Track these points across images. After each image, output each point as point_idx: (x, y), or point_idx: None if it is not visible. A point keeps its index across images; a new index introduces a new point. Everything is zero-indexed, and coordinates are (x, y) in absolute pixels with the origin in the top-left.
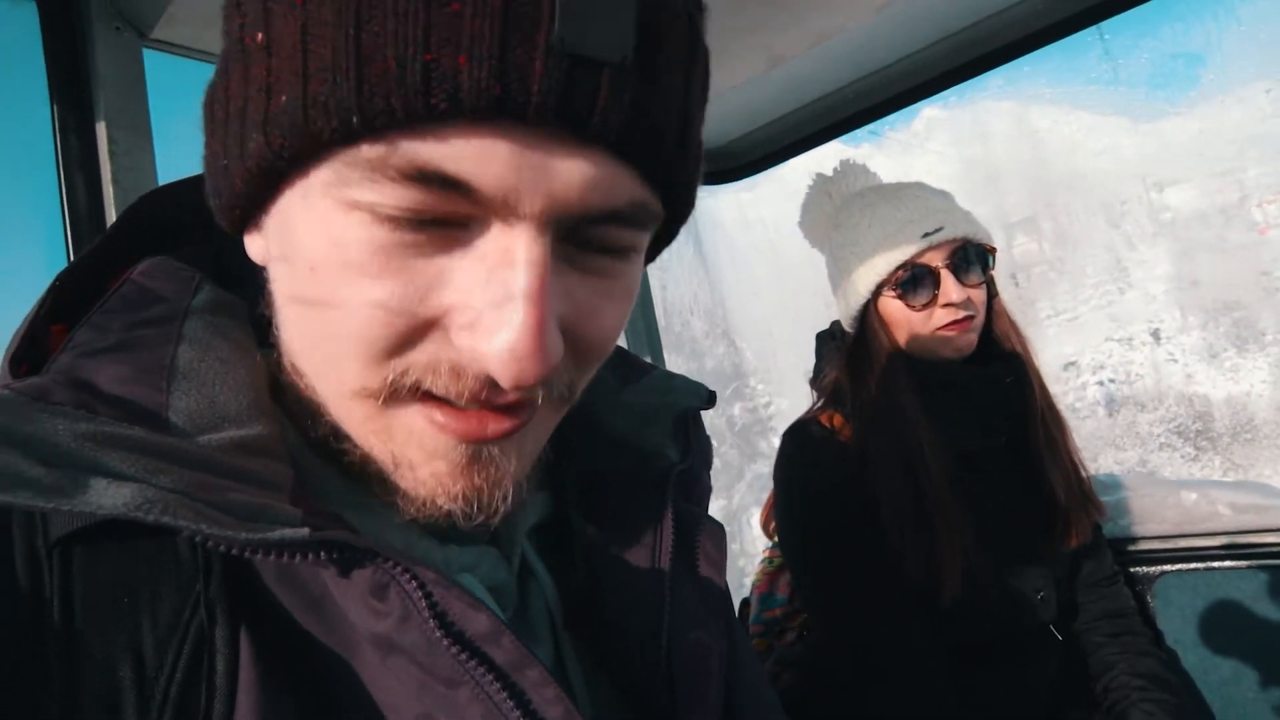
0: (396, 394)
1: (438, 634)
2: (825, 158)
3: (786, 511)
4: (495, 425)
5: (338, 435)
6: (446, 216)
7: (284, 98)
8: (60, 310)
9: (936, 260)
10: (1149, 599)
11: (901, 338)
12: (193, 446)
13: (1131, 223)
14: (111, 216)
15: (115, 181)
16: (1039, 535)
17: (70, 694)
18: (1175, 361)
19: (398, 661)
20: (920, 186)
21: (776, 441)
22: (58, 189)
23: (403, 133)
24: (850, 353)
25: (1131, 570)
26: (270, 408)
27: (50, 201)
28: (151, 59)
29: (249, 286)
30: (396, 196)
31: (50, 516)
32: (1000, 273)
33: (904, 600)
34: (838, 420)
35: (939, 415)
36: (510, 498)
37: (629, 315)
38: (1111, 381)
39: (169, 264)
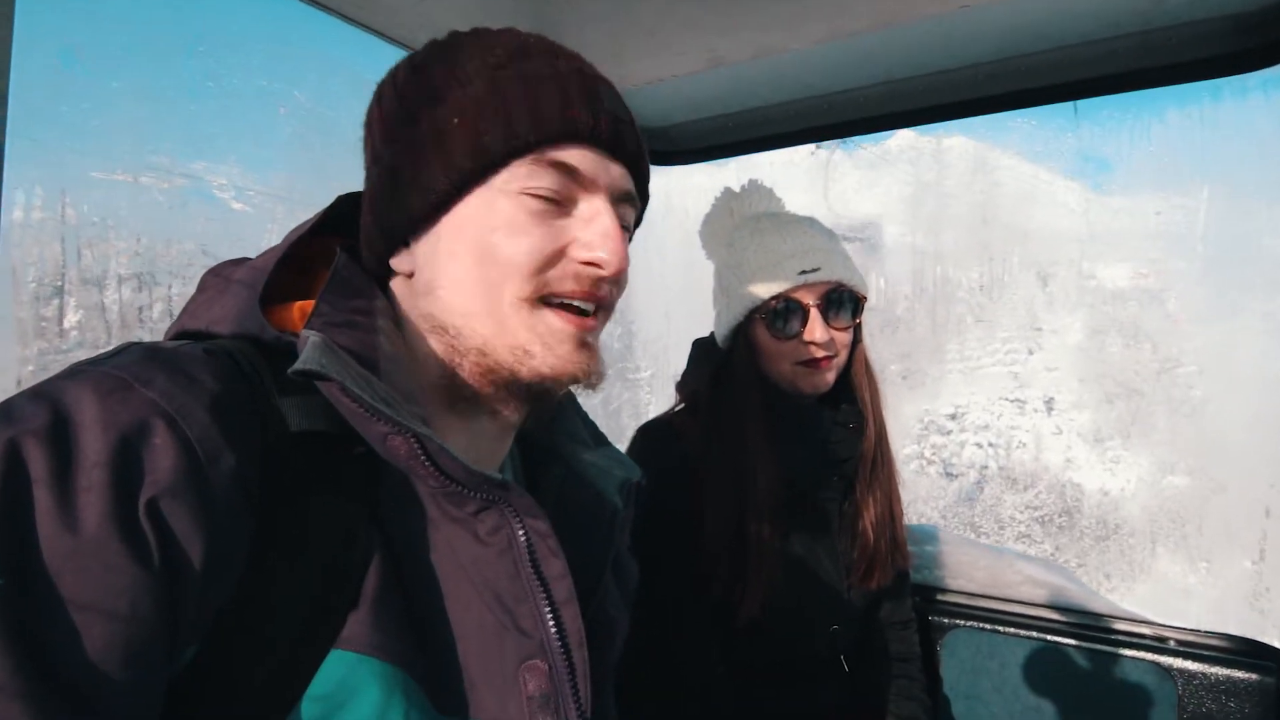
0: (538, 300)
1: (528, 569)
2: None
3: None
4: (589, 323)
5: (460, 368)
6: (564, 192)
7: (486, 136)
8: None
9: (809, 298)
10: (938, 647)
11: (764, 365)
12: (412, 408)
13: (1058, 285)
14: None
15: None
16: (845, 573)
17: (271, 533)
18: (1060, 435)
19: (480, 576)
20: (810, 223)
21: None
22: None
23: (549, 147)
24: (717, 367)
25: (930, 618)
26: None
27: None
28: None
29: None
30: (545, 179)
31: (287, 417)
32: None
33: (701, 612)
34: (690, 427)
35: (780, 445)
36: (601, 371)
37: None
38: (991, 445)
39: (354, 266)
